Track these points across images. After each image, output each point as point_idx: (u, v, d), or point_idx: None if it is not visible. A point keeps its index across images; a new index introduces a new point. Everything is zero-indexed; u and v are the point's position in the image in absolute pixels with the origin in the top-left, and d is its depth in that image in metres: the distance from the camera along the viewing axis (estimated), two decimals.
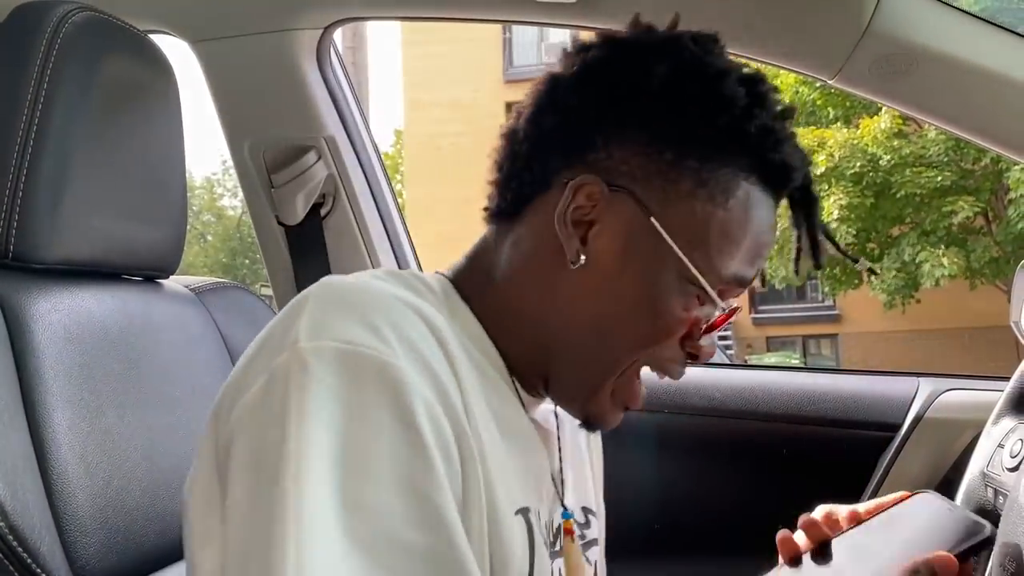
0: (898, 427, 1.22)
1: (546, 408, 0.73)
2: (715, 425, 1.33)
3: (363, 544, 0.47)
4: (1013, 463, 0.87)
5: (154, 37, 1.29)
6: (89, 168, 0.83)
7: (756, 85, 0.64)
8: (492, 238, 0.69)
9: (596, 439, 0.88)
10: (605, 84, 0.64)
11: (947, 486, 1.13)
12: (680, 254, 0.61)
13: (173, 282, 1.03)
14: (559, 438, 0.75)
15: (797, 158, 0.65)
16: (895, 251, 10.16)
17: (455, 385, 0.56)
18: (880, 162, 9.53)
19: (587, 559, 0.76)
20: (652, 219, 0.62)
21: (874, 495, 1.19)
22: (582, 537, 0.76)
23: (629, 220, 0.62)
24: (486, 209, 0.70)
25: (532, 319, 0.65)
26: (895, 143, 9.50)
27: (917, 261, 9.87)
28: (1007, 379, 0.97)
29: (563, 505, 0.71)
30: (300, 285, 1.51)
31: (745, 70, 0.65)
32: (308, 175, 1.44)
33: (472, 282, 0.68)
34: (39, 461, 0.72)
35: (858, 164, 9.59)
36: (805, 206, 0.69)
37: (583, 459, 0.81)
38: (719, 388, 1.34)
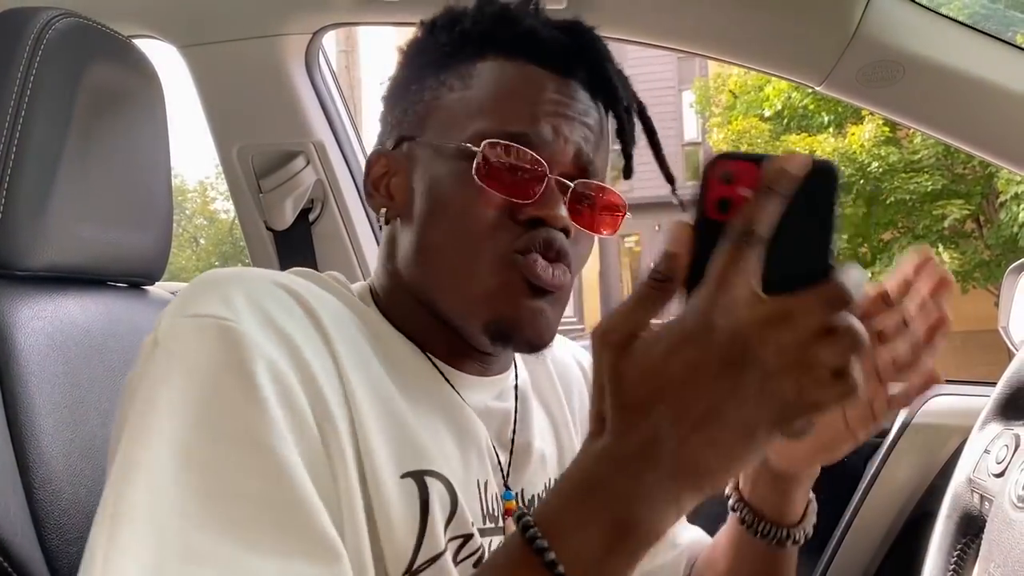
0: (886, 432, 1.22)
1: (504, 386, 0.74)
2: None
3: (202, 495, 0.49)
4: (999, 469, 0.87)
5: (143, 42, 1.29)
6: (73, 175, 0.82)
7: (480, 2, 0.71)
8: (388, 233, 0.74)
9: (582, 393, 0.86)
10: (386, 91, 0.74)
11: (935, 492, 1.13)
12: (439, 142, 0.67)
13: (159, 288, 1.02)
14: (515, 420, 0.74)
15: (530, 18, 0.69)
16: (887, 255, 10.20)
17: (323, 353, 0.58)
18: (869, 169, 9.57)
19: None
20: (416, 139, 0.68)
21: (862, 501, 1.19)
22: None
23: (410, 156, 0.69)
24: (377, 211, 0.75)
25: (411, 289, 0.69)
26: (884, 150, 9.54)
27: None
28: (994, 384, 0.97)
29: (506, 485, 0.71)
30: None
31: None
32: (296, 180, 1.43)
33: (379, 283, 0.73)
34: (21, 468, 0.71)
35: (848, 173, 9.63)
36: (585, 62, 0.68)
37: (562, 443, 0.80)
38: None
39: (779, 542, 0.73)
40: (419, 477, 0.60)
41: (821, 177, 0.45)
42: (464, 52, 0.69)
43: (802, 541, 0.73)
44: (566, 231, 0.66)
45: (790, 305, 0.44)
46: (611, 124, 0.72)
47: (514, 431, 0.74)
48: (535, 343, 0.66)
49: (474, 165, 0.64)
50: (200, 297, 0.56)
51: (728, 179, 0.47)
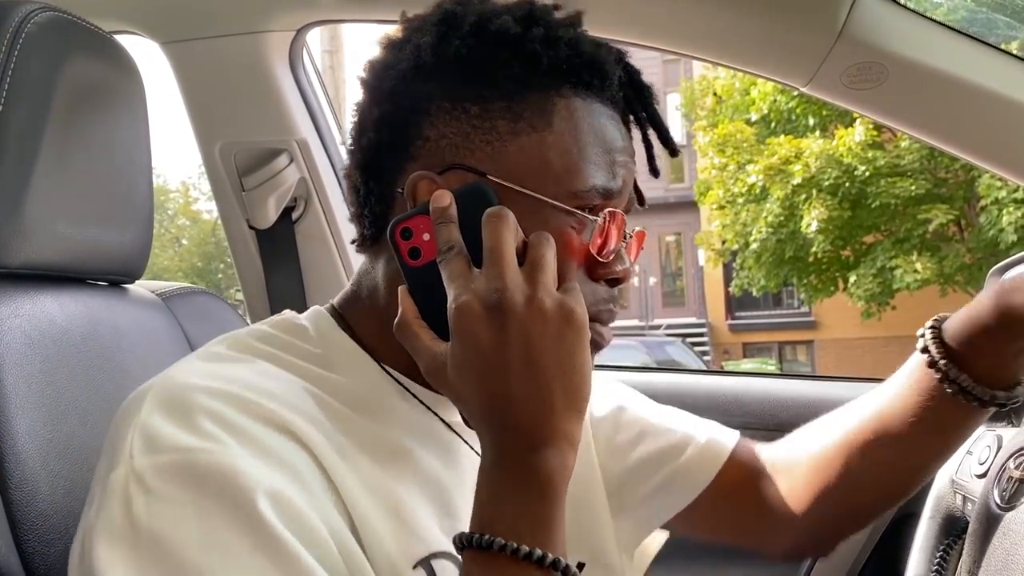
0: None
1: None
2: None
3: None
4: (981, 470, 0.87)
5: (124, 38, 1.28)
6: (52, 171, 0.81)
7: (523, 10, 0.66)
8: (368, 264, 0.71)
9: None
10: (391, 83, 0.66)
11: (918, 493, 1.13)
12: (526, 191, 0.63)
13: (139, 287, 1.01)
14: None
15: (601, 52, 0.66)
16: (870, 259, 10.27)
17: (305, 460, 0.57)
18: (855, 173, 9.64)
19: None
20: (488, 176, 0.63)
21: None
22: None
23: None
24: (354, 242, 0.72)
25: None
26: (870, 154, 9.61)
27: (890, 267, 9.99)
28: None
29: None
30: (271, 289, 1.50)
31: (511, 5, 0.67)
32: (280, 178, 1.43)
33: (356, 310, 0.71)
34: None
35: (834, 175, 9.69)
36: (639, 98, 0.70)
37: None
38: (692, 394, 1.35)
39: (1004, 406, 0.71)
40: (427, 564, 0.61)
41: (469, 195, 0.61)
42: (538, 83, 0.64)
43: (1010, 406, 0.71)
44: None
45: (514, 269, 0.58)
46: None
47: None
48: None
49: (580, 233, 0.64)
50: (169, 426, 0.54)
51: (407, 234, 0.62)
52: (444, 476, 0.67)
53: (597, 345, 0.67)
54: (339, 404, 0.63)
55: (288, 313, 0.71)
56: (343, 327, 0.69)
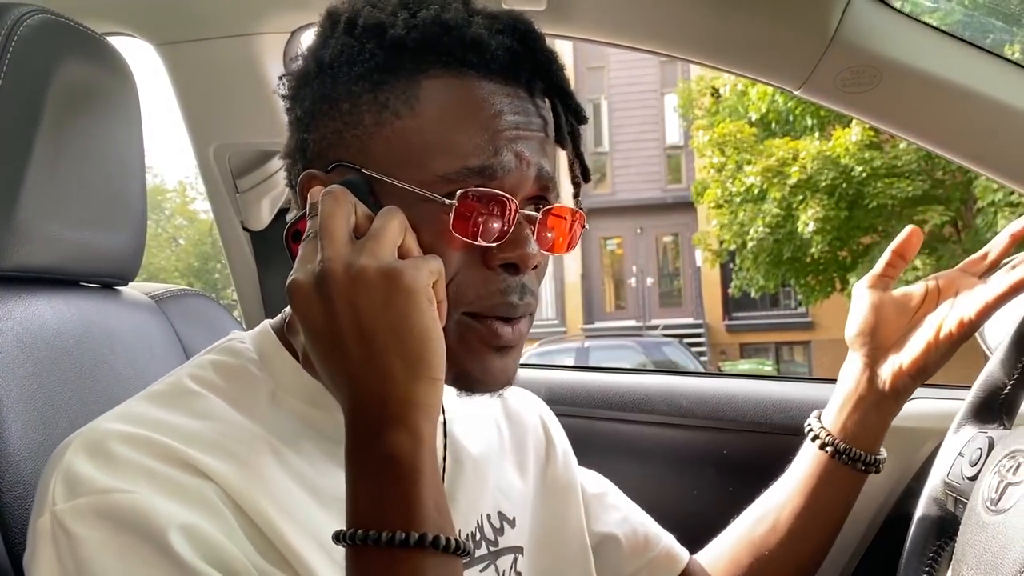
0: None
1: None
2: (682, 434, 1.33)
3: None
4: (972, 472, 0.87)
5: (118, 39, 1.28)
6: (45, 174, 0.81)
7: (393, 0, 0.65)
8: None
9: (539, 442, 0.90)
10: (291, 88, 0.68)
11: (910, 494, 1.14)
12: (393, 180, 0.61)
13: (132, 289, 1.01)
14: (444, 458, 0.75)
15: (475, 25, 0.62)
16: (868, 259, 10.27)
17: (229, 491, 0.58)
18: (852, 173, 9.63)
19: (496, 568, 0.77)
20: (363, 170, 0.62)
21: None
22: (494, 544, 0.77)
23: (353, 186, 0.64)
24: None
25: None
26: (867, 155, 9.61)
27: None
28: (969, 388, 0.98)
29: None
30: (265, 291, 1.50)
31: None
32: (274, 180, 1.43)
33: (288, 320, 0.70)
34: None
35: (831, 176, 9.69)
36: (536, 67, 0.65)
37: (489, 461, 0.81)
38: (686, 396, 1.35)
39: (875, 467, 0.85)
40: None
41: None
42: (402, 67, 0.62)
43: (881, 468, 0.86)
44: (535, 266, 0.65)
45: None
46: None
47: (443, 471, 0.75)
48: (498, 390, 0.67)
49: (449, 218, 0.61)
50: (87, 468, 0.55)
51: (297, 236, 0.64)
52: None
53: (494, 342, 0.64)
54: (274, 439, 0.63)
55: (235, 335, 0.71)
56: (288, 340, 0.69)
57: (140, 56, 1.38)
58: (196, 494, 0.56)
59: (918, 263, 9.71)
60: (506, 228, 0.62)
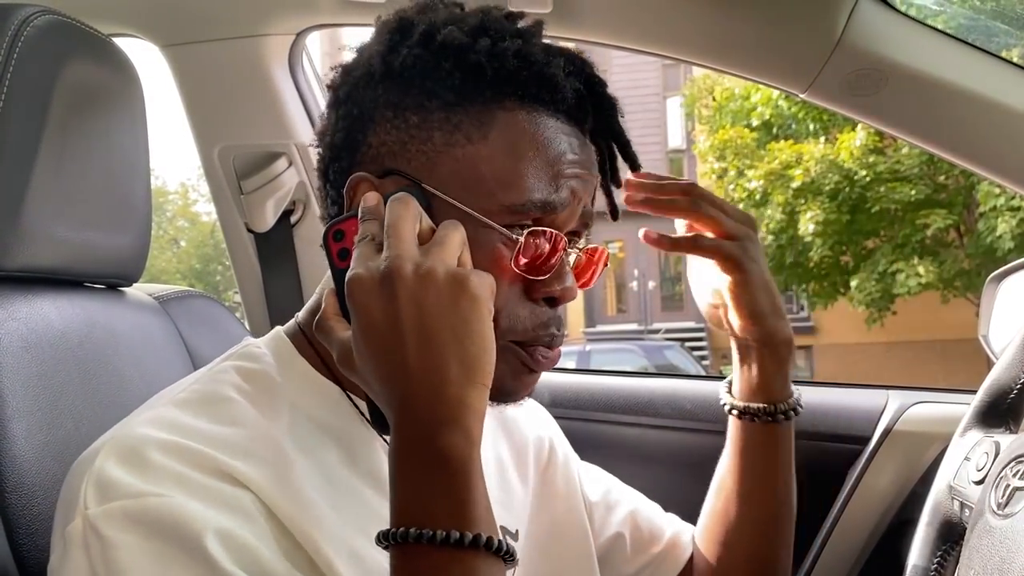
0: (867, 440, 1.22)
1: None
2: (686, 437, 1.33)
3: None
4: (979, 476, 0.87)
5: (124, 41, 1.28)
6: (50, 174, 0.81)
7: (475, 20, 0.66)
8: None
9: (539, 447, 0.90)
10: (346, 89, 0.68)
11: (915, 499, 1.13)
12: (456, 203, 0.63)
13: (136, 290, 1.01)
14: None
15: (553, 64, 0.65)
16: (871, 263, 10.27)
17: (263, 499, 0.58)
18: (855, 177, 9.63)
19: None
20: (423, 185, 0.63)
21: (842, 509, 1.19)
22: None
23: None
24: (321, 246, 0.72)
25: None
26: (871, 159, 9.60)
27: (891, 271, 9.98)
28: (974, 392, 0.98)
29: None
30: (269, 293, 1.50)
31: (465, 14, 0.67)
32: (278, 182, 1.43)
33: (314, 319, 0.70)
34: None
35: (834, 180, 9.69)
36: (599, 111, 0.70)
37: (488, 475, 0.81)
38: (690, 399, 1.35)
39: (773, 417, 0.87)
40: None
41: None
42: (479, 93, 0.64)
43: (795, 413, 0.88)
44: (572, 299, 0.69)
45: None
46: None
47: None
48: (521, 402, 0.71)
49: (507, 248, 0.64)
50: (119, 472, 0.55)
51: (339, 236, 0.63)
52: (387, 511, 0.67)
53: (535, 367, 0.67)
54: (296, 447, 0.63)
55: (249, 340, 0.71)
56: (304, 347, 0.70)
57: (144, 58, 1.39)
58: (231, 500, 0.56)
59: (920, 270, 9.71)
60: (554, 263, 0.66)
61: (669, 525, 0.96)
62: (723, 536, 0.92)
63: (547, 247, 0.65)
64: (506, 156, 0.64)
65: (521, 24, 0.68)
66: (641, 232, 0.85)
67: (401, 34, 0.66)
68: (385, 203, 0.62)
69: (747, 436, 0.89)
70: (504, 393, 0.68)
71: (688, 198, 0.82)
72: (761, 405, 0.87)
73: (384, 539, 0.54)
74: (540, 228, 0.65)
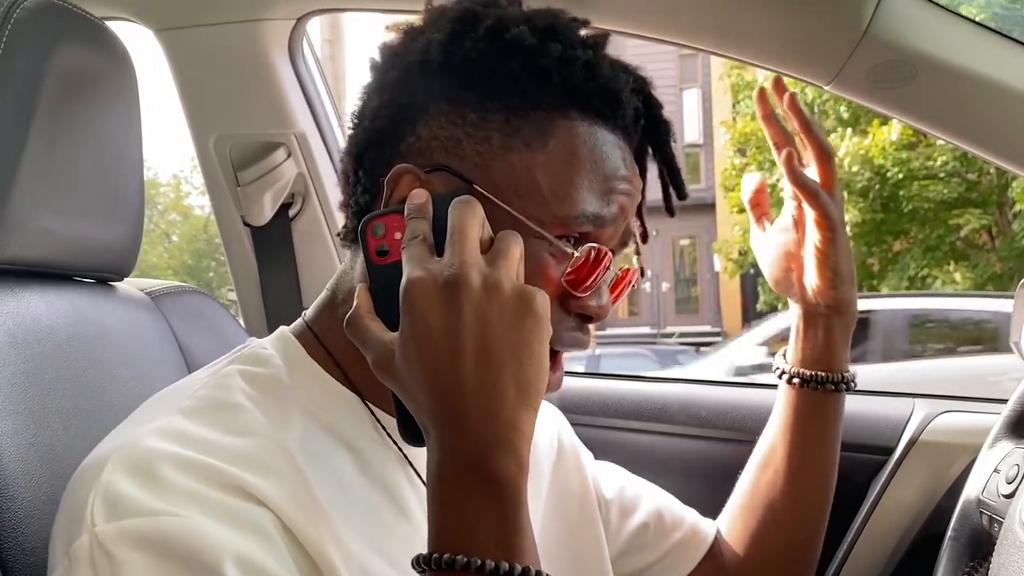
0: (891, 450, 1.22)
1: None
2: (701, 445, 1.33)
3: None
4: (1009, 489, 0.87)
5: (117, 25, 1.29)
6: (39, 163, 0.82)
7: (545, 21, 0.66)
8: (348, 263, 0.72)
9: (551, 452, 0.91)
10: (396, 73, 0.67)
11: (942, 513, 1.13)
12: (509, 209, 0.63)
13: (128, 285, 1.02)
14: None
15: (619, 80, 0.67)
16: (899, 268, 10.21)
17: (279, 516, 0.57)
18: (887, 174, 9.54)
19: None
20: (475, 186, 0.63)
21: (866, 521, 1.19)
22: None
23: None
24: (339, 234, 0.73)
25: None
26: (904, 155, 9.52)
27: (922, 276, 9.93)
28: (1005, 402, 0.97)
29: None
30: (266, 289, 1.50)
31: (534, 13, 0.67)
32: (277, 173, 1.43)
33: (330, 319, 0.70)
34: None
35: (866, 177, 9.62)
36: (654, 133, 0.72)
37: None
38: (705, 406, 1.35)
39: (836, 385, 0.90)
40: None
41: (447, 201, 0.60)
42: (544, 100, 0.64)
43: (854, 385, 0.92)
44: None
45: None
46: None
47: None
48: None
49: (558, 260, 0.65)
50: (130, 489, 0.54)
51: (378, 230, 0.62)
52: (400, 529, 0.66)
53: (556, 370, 0.68)
54: (309, 456, 0.62)
55: (254, 341, 0.71)
56: (315, 348, 0.69)
57: (138, 42, 1.39)
58: (248, 519, 0.55)
59: (957, 276, 9.67)
60: (597, 279, 0.67)
61: (689, 513, 0.98)
62: (764, 515, 0.93)
63: (596, 263, 0.66)
64: (563, 166, 0.64)
65: (590, 33, 0.69)
66: (786, 97, 0.91)
67: (464, 25, 0.65)
68: (435, 204, 0.61)
69: (804, 405, 0.91)
70: None
71: (821, 146, 0.89)
72: (824, 373, 0.90)
73: (423, 564, 0.53)
74: (595, 246, 0.66)
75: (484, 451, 0.53)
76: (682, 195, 0.75)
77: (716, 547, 0.95)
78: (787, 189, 0.91)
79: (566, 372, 1.22)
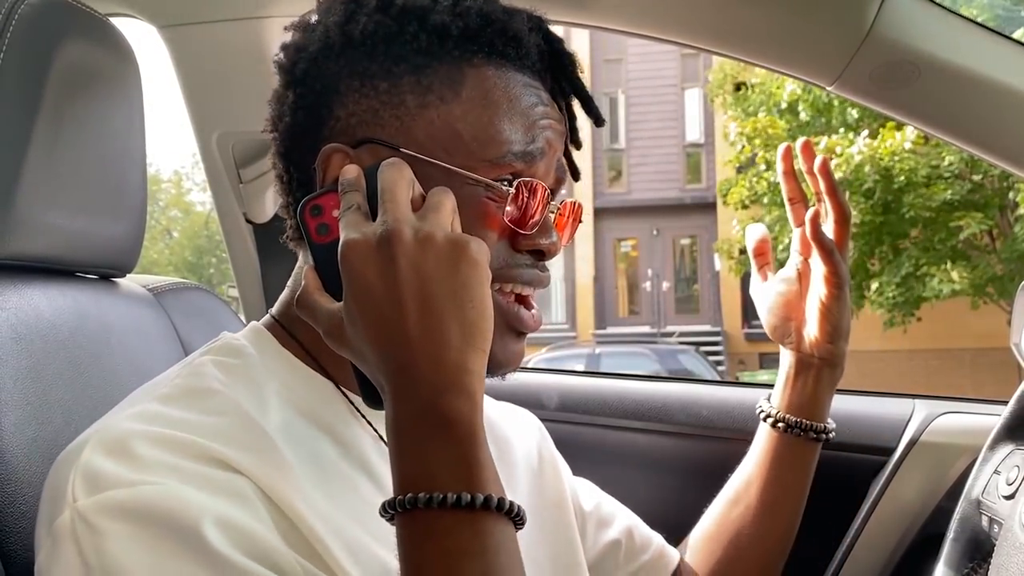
0: (891, 451, 1.22)
1: None
2: (702, 444, 1.33)
3: None
4: (1009, 491, 0.87)
5: (120, 21, 1.29)
6: (43, 159, 0.82)
7: None
8: (301, 259, 0.74)
9: (529, 455, 0.92)
10: (303, 65, 0.69)
11: (941, 514, 1.13)
12: (439, 162, 0.65)
13: (130, 281, 1.02)
14: None
15: (515, 20, 0.69)
16: (895, 267, 10.20)
17: (259, 484, 0.58)
18: (893, 176, 9.49)
19: None
20: (402, 149, 0.65)
21: (865, 521, 1.19)
22: None
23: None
24: (287, 237, 0.74)
25: None
26: (913, 161, 9.44)
27: (919, 275, 9.91)
28: (1005, 403, 0.97)
29: None
30: (268, 287, 1.51)
31: None
32: None
33: (290, 312, 0.72)
34: None
35: (872, 179, 9.58)
36: (560, 67, 0.73)
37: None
38: (706, 406, 1.35)
39: (817, 434, 0.95)
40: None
41: (373, 171, 0.63)
42: (447, 53, 0.67)
43: (832, 437, 0.97)
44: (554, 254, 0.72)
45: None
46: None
47: None
48: (511, 372, 0.72)
49: (495, 202, 0.66)
50: (109, 463, 0.55)
51: (316, 211, 0.64)
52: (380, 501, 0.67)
53: (517, 326, 0.70)
54: (285, 440, 0.63)
55: (226, 335, 0.72)
56: (286, 339, 0.71)
57: (141, 39, 1.39)
58: (227, 485, 0.57)
59: (955, 275, 9.65)
60: (539, 215, 0.69)
61: (656, 537, 1.00)
62: (730, 547, 0.96)
63: (533, 198, 0.68)
64: (481, 111, 0.67)
65: None
66: (818, 161, 0.93)
67: (356, 3, 0.68)
68: (367, 177, 0.63)
69: (784, 449, 0.95)
70: (495, 365, 0.69)
71: (843, 208, 0.93)
72: (808, 421, 0.94)
73: (389, 508, 0.54)
74: (530, 180, 0.68)
75: (436, 395, 0.55)
76: (598, 121, 0.75)
77: (679, 573, 0.98)
78: (794, 242, 0.95)
79: (566, 372, 1.23)
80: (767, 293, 0.99)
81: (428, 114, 0.66)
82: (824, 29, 1.08)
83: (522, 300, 0.71)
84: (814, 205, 0.95)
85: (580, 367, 10.69)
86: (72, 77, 0.85)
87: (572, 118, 0.76)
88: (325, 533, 0.60)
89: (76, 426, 0.80)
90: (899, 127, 9.50)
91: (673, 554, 0.99)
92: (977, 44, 1.06)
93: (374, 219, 0.60)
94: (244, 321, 1.43)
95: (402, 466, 0.55)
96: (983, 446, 0.97)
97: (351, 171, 0.64)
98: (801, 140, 0.96)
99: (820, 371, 0.95)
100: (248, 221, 1.49)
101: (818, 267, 0.92)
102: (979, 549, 0.91)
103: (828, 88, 1.14)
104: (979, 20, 1.09)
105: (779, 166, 0.96)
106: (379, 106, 0.67)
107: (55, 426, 0.78)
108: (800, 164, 0.95)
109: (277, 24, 1.36)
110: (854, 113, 9.92)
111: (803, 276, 0.96)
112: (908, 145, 9.31)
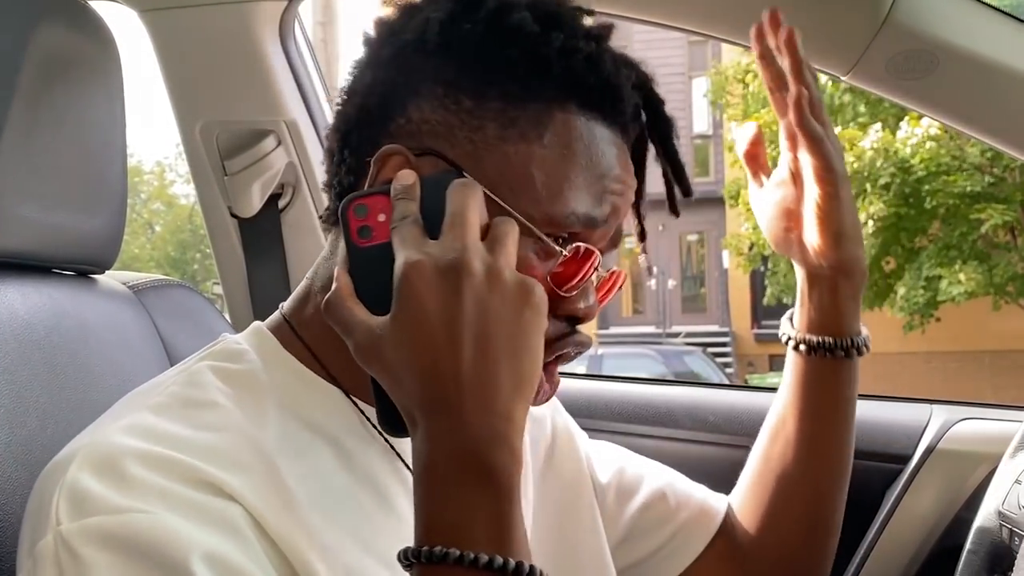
0: (908, 458, 1.22)
1: None
2: (709, 451, 1.33)
3: None
4: None
5: (100, 5, 1.28)
6: (17, 149, 0.82)
7: (549, 9, 0.66)
8: (328, 249, 0.71)
9: (542, 441, 0.90)
10: (391, 51, 0.67)
11: (960, 525, 1.13)
12: (500, 202, 0.63)
13: (109, 278, 1.02)
14: None
15: (621, 75, 0.67)
16: (916, 267, 10.19)
17: (250, 511, 0.57)
18: (912, 169, 9.49)
19: None
20: (464, 174, 0.63)
21: (880, 533, 1.19)
22: None
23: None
24: (320, 217, 0.72)
25: None
26: (932, 151, 9.43)
27: (931, 276, 9.91)
28: None
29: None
30: (253, 283, 1.51)
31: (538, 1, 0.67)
32: (266, 162, 1.43)
33: (308, 310, 0.70)
34: None
35: (889, 171, 9.58)
36: (656, 130, 0.72)
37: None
38: (713, 411, 1.35)
39: (846, 351, 0.87)
40: None
41: (436, 185, 0.61)
42: (542, 91, 0.64)
43: (866, 350, 0.89)
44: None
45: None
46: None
47: None
48: None
49: (546, 258, 0.65)
50: (96, 486, 0.54)
51: (361, 211, 0.61)
52: (388, 523, 0.66)
53: (548, 382, 0.68)
54: (287, 452, 0.62)
55: (227, 337, 0.71)
56: (291, 342, 0.69)
57: (122, 24, 1.39)
58: (218, 516, 0.56)
59: (962, 277, 9.65)
60: (584, 281, 0.67)
61: (698, 491, 0.96)
62: (778, 489, 0.91)
63: (584, 264, 0.66)
64: (558, 162, 0.64)
65: (594, 24, 0.69)
66: (783, 32, 0.84)
67: (464, 6, 0.65)
68: (423, 187, 0.61)
69: (813, 373, 0.89)
70: None
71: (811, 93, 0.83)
72: (832, 338, 0.88)
73: (410, 557, 0.53)
74: (584, 246, 0.66)
75: (479, 444, 0.54)
76: (687, 192, 0.75)
77: (728, 524, 0.94)
78: (782, 138, 0.86)
79: (566, 373, 1.22)
80: (764, 201, 0.92)
81: (506, 148, 0.64)
82: (839, 16, 1.08)
83: (546, 367, 0.68)
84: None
85: (581, 369, 10.67)
86: (49, 63, 0.85)
87: (669, 183, 0.75)
88: (321, 562, 0.59)
89: (52, 431, 0.80)
90: (920, 116, 9.49)
91: (717, 509, 0.95)
92: (998, 32, 1.06)
93: (428, 236, 0.59)
94: (229, 320, 1.43)
95: (430, 511, 0.54)
96: (1003, 454, 0.97)
97: (408, 176, 0.61)
98: (767, 11, 0.86)
99: (835, 281, 0.87)
100: (233, 215, 1.48)
101: (808, 163, 0.83)
102: (1000, 562, 0.91)
103: (843, 78, 1.14)
104: (1000, 7, 1.09)
105: (753, 48, 0.87)
106: (457, 123, 0.64)
107: (29, 430, 0.78)
108: (772, 42, 0.85)
109: (264, 8, 1.36)
110: (862, 109, 9.92)
111: (796, 177, 0.87)
112: (934, 131, 9.30)
